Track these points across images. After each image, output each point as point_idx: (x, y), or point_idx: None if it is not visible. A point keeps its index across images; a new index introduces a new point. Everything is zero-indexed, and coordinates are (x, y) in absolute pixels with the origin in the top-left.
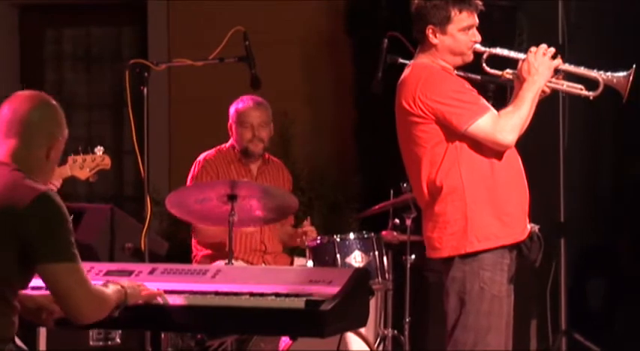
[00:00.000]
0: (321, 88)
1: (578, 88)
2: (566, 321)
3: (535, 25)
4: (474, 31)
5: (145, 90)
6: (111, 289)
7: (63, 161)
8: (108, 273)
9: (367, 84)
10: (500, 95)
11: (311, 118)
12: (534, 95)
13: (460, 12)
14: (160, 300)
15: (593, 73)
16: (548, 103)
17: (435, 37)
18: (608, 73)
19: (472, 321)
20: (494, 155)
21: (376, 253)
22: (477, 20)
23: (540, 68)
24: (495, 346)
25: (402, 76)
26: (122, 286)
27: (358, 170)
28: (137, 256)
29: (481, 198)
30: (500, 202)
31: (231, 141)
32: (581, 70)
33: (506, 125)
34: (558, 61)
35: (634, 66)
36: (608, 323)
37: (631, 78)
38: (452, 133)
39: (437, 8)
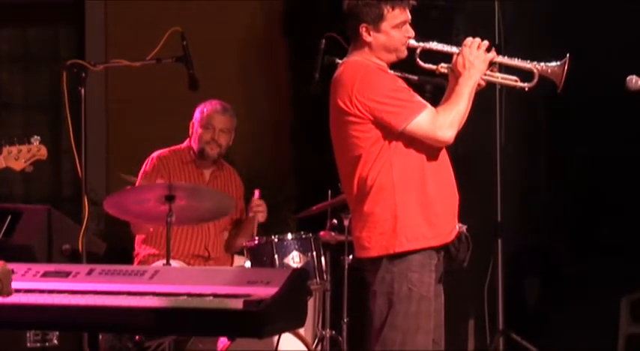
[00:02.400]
0: (257, 88)
1: (513, 80)
2: (503, 321)
3: (472, 25)
4: (407, 26)
5: (83, 90)
6: None
7: None
8: (45, 274)
9: (303, 85)
10: (439, 95)
11: (248, 119)
12: (471, 89)
13: (393, 9)
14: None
15: (528, 65)
16: (485, 103)
17: (369, 35)
18: (542, 64)
19: (400, 321)
20: (427, 157)
21: (314, 253)
22: (410, 16)
23: (476, 62)
24: (423, 346)
25: (336, 74)
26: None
27: (295, 171)
28: (75, 257)
29: (411, 198)
30: (429, 203)
31: (187, 142)
32: (516, 62)
33: (445, 121)
34: (493, 53)
35: (567, 55)
36: (545, 323)
37: (566, 67)
38: (389, 133)
39: (369, 6)
